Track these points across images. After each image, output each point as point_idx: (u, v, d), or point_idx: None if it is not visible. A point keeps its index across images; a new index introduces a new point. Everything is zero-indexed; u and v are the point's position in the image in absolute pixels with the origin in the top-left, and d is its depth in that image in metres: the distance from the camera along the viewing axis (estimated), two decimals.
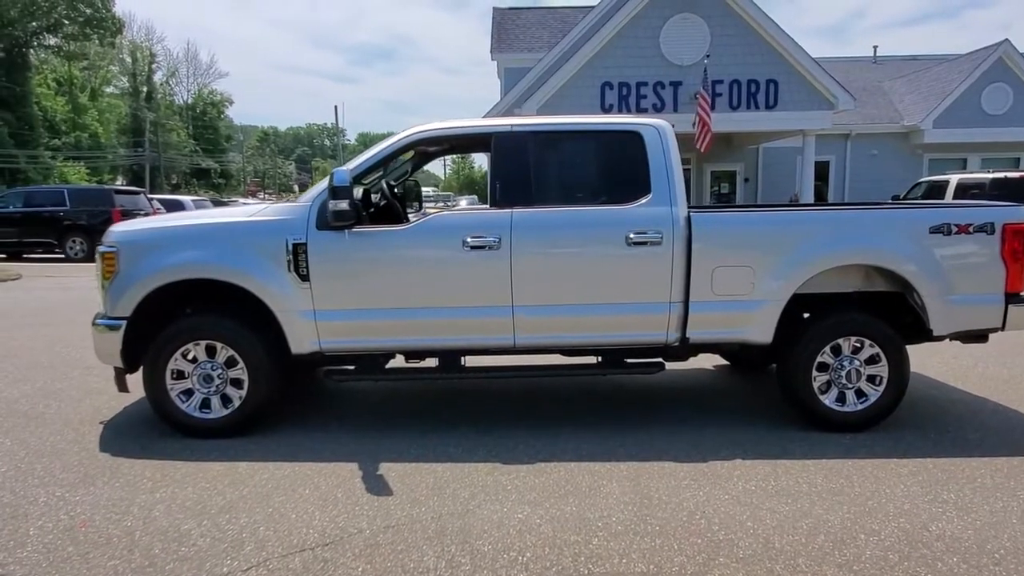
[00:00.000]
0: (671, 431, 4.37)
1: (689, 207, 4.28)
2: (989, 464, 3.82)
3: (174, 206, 19.57)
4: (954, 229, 4.23)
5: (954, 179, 13.81)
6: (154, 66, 66.99)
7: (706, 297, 4.22)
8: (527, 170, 4.26)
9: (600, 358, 4.47)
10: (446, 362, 4.41)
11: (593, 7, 18.17)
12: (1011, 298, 4.31)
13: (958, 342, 4.63)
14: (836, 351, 4.31)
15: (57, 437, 4.27)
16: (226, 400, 4.24)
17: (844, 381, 4.31)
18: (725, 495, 3.44)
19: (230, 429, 4.24)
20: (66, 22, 52.25)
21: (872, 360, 4.31)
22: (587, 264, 4.18)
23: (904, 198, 14.79)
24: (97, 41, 56.31)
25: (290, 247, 4.09)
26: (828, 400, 4.33)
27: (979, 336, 4.56)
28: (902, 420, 4.51)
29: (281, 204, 4.46)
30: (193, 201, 21.88)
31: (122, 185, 47.31)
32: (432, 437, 4.27)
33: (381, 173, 4.73)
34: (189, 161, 64.11)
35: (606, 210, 4.21)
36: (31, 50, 52.24)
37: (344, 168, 4.03)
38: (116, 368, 4.29)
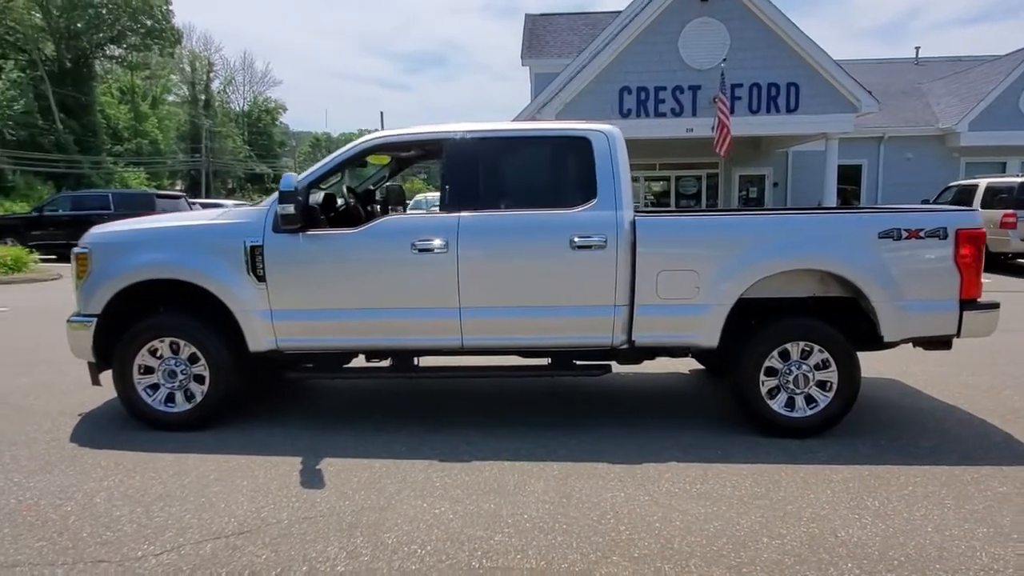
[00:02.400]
0: (620, 433, 4.41)
1: (636, 211, 4.33)
2: (928, 472, 3.76)
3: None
4: (904, 234, 4.17)
5: (983, 183, 13.39)
6: (212, 75, 69.29)
7: (651, 301, 4.25)
8: (475, 175, 4.37)
9: (550, 360, 4.54)
10: (399, 362, 4.55)
11: (621, 12, 18.21)
12: (966, 304, 4.22)
13: (945, 350, 4.52)
14: (785, 356, 4.29)
15: (33, 427, 4.54)
16: (189, 395, 4.45)
17: (792, 386, 4.29)
18: (645, 496, 3.48)
19: (193, 422, 4.44)
20: (129, 33, 54.49)
21: (821, 366, 4.28)
22: (533, 267, 4.26)
23: (934, 202, 14.38)
24: (157, 51, 58.61)
25: (248, 249, 4.27)
26: (776, 405, 4.31)
27: (941, 343, 4.47)
28: (858, 427, 4.46)
29: (243, 208, 4.65)
30: (234, 204, 22.58)
31: (179, 190, 49.16)
32: (384, 434, 4.40)
33: (339, 178, 4.89)
34: (244, 166, 66.17)
35: (551, 214, 4.28)
36: (96, 60, 54.61)
37: (292, 174, 4.20)
38: (89, 363, 4.53)
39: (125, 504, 3.38)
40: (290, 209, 4.06)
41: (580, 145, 4.33)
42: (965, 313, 4.22)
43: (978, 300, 4.27)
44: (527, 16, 26.94)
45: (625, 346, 4.35)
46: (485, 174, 4.41)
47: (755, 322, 4.36)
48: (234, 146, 65.13)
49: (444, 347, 4.39)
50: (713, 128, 13.47)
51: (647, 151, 17.22)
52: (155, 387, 4.45)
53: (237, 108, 71.58)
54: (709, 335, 4.26)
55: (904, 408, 4.98)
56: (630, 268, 4.22)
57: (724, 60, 14.32)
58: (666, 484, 3.63)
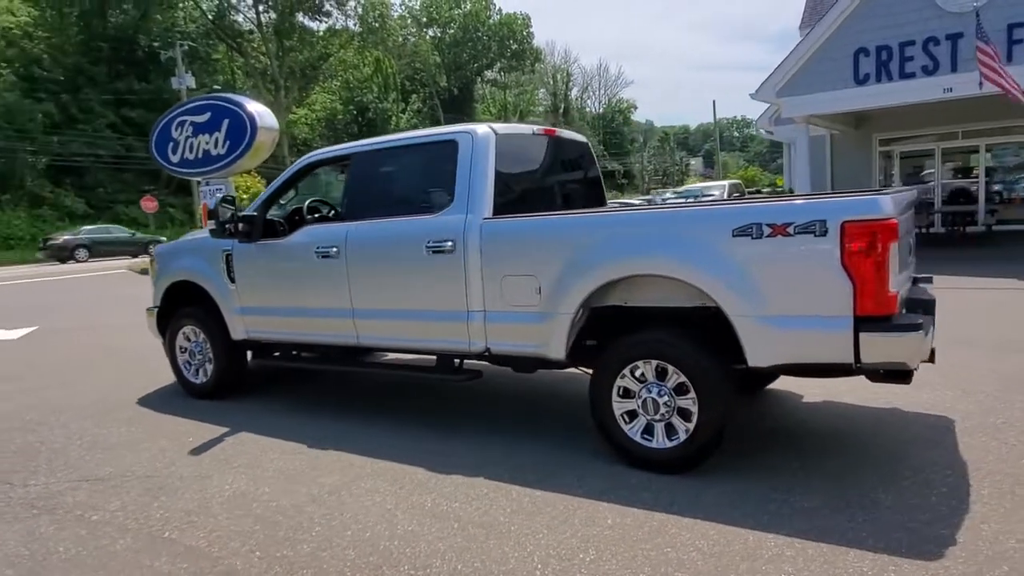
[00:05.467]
0: (499, 444, 4.27)
1: (494, 214, 4.15)
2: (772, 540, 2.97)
3: None
4: (766, 231, 3.25)
5: None
6: (569, 84, 75.51)
7: (499, 307, 4.07)
8: (363, 186, 4.71)
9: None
10: (324, 355, 5.12)
11: None
12: (865, 323, 3.11)
13: (903, 383, 3.41)
14: (643, 377, 3.69)
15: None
16: (206, 372, 5.66)
17: (642, 411, 3.68)
18: (370, 500, 3.51)
19: (211, 393, 5.63)
20: (499, 58, 62.71)
21: (681, 390, 3.58)
22: (399, 273, 4.42)
23: None
24: (521, 71, 66.33)
25: (223, 256, 5.28)
26: (633, 431, 3.73)
27: (878, 374, 3.36)
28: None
29: None
30: None
31: None
32: (319, 424, 4.95)
33: (293, 193, 5.57)
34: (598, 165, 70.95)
35: (413, 220, 4.37)
36: (476, 85, 64.11)
37: (229, 194, 5.05)
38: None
39: (94, 447, 4.64)
40: (212, 225, 4.93)
41: (449, 149, 4.32)
42: (863, 335, 3.11)
43: (886, 317, 3.11)
44: None
45: (483, 353, 4.22)
46: (373, 184, 4.71)
47: (613, 335, 3.83)
48: None
49: (346, 344, 4.81)
50: (981, 84, 10.31)
51: (929, 117, 14.02)
52: (188, 363, 5.76)
53: (592, 111, 76.53)
54: (556, 346, 3.90)
55: (801, 435, 3.76)
56: (479, 273, 4.10)
57: None
58: (419, 495, 3.57)
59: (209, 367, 5.62)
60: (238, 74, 49.19)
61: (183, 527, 3.38)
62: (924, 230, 15.56)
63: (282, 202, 5.47)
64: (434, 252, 4.21)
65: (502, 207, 4.24)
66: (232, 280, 5.27)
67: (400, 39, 56.98)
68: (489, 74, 64.52)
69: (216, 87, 38.97)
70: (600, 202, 5.41)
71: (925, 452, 3.77)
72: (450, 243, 4.15)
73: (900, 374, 3.36)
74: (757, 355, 3.34)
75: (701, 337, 3.56)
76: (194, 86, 35.49)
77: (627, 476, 3.66)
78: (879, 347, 3.10)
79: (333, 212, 5.58)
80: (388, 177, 4.71)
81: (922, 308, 3.90)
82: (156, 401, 5.73)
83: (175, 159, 15.61)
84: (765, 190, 38.03)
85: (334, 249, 4.65)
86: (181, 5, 45.08)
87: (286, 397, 5.69)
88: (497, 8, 57.85)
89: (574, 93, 75.17)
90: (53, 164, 36.96)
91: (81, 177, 38.53)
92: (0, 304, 13.70)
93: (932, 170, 17.10)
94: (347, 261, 4.60)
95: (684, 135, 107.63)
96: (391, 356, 6.22)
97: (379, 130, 43.77)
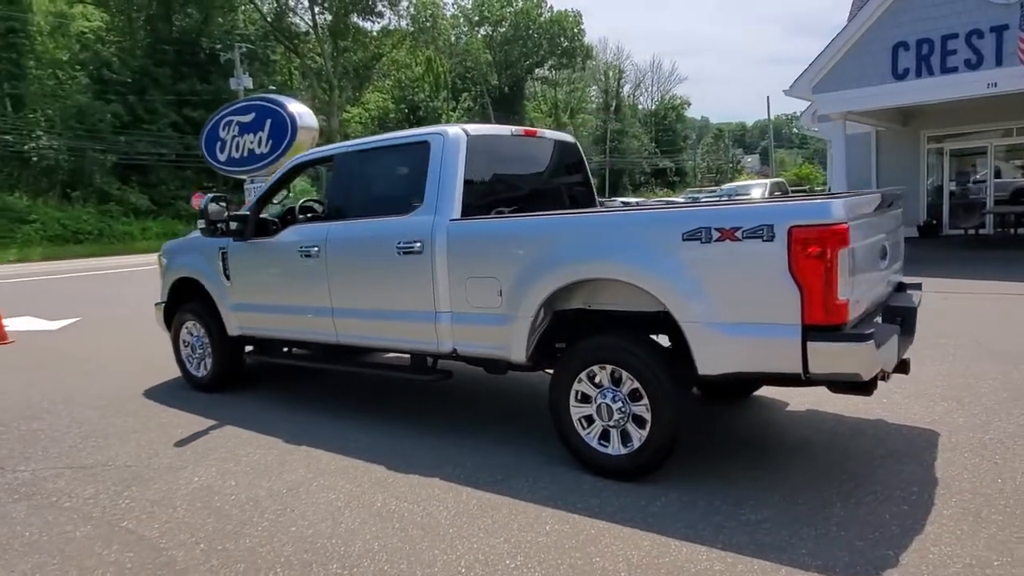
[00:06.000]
0: (465, 446, 4.28)
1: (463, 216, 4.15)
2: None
3: None
4: (715, 235, 3.16)
5: None
6: (622, 81, 74.83)
7: (464, 309, 4.07)
8: (344, 186, 4.79)
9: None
10: (314, 352, 5.20)
11: None
12: (813, 332, 2.99)
13: (864, 395, 3.30)
14: (600, 382, 3.64)
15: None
16: (205, 366, 5.84)
17: (597, 416, 3.63)
18: (324, 497, 3.56)
19: (209, 386, 5.81)
20: (549, 56, 62.60)
21: (635, 396, 3.51)
22: (373, 273, 4.47)
23: None
24: (572, 68, 66.08)
25: (220, 254, 5.44)
26: (590, 436, 3.69)
27: (836, 384, 3.24)
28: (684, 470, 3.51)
29: None
30: (620, 203, 24.74)
31: None
32: (303, 420, 5.03)
33: (285, 193, 5.67)
34: (649, 163, 70.12)
35: (385, 221, 4.41)
36: (526, 83, 64.18)
37: (211, 195, 5.17)
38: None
39: (92, 434, 4.85)
40: (202, 223, 5.07)
41: (422, 150, 4.33)
42: (811, 344, 3.00)
43: (836, 326, 2.98)
44: None
45: (452, 354, 4.22)
46: (352, 185, 4.77)
47: (571, 338, 3.79)
48: (639, 145, 69.12)
49: (327, 342, 4.89)
50: None
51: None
52: (190, 357, 5.95)
53: (644, 108, 75.60)
54: (517, 349, 3.88)
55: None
56: (446, 275, 4.11)
57: None
58: (393, 500, 3.59)
59: (209, 361, 5.80)
60: (295, 74, 50.46)
61: (142, 517, 3.50)
62: (974, 232, 14.81)
63: (275, 201, 5.59)
64: (404, 253, 4.24)
65: (476, 209, 4.25)
66: (228, 277, 5.42)
67: (452, 38, 57.46)
68: (540, 72, 64.47)
69: (271, 87, 40.12)
70: (590, 203, 5.35)
71: (896, 467, 3.61)
72: (419, 244, 4.17)
73: (860, 386, 3.22)
74: (706, 363, 3.25)
75: (655, 343, 3.49)
76: (251, 87, 36.66)
77: (581, 481, 3.62)
78: (827, 357, 2.98)
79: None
80: (366, 178, 4.77)
81: (900, 317, 3.74)
82: (161, 393, 5.94)
83: (223, 158, 16.13)
84: (818, 188, 36.82)
85: (315, 249, 4.74)
86: (242, 8, 46.48)
87: (282, 393, 5.82)
88: (548, 5, 57.74)
89: (626, 90, 74.42)
90: (120, 162, 38.67)
91: (145, 175, 40.16)
92: (54, 296, 14.40)
93: (985, 169, 16.25)
94: (327, 261, 4.68)
95: (741, 132, 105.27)
96: (389, 355, 6.28)
97: None
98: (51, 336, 9.34)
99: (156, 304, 6.29)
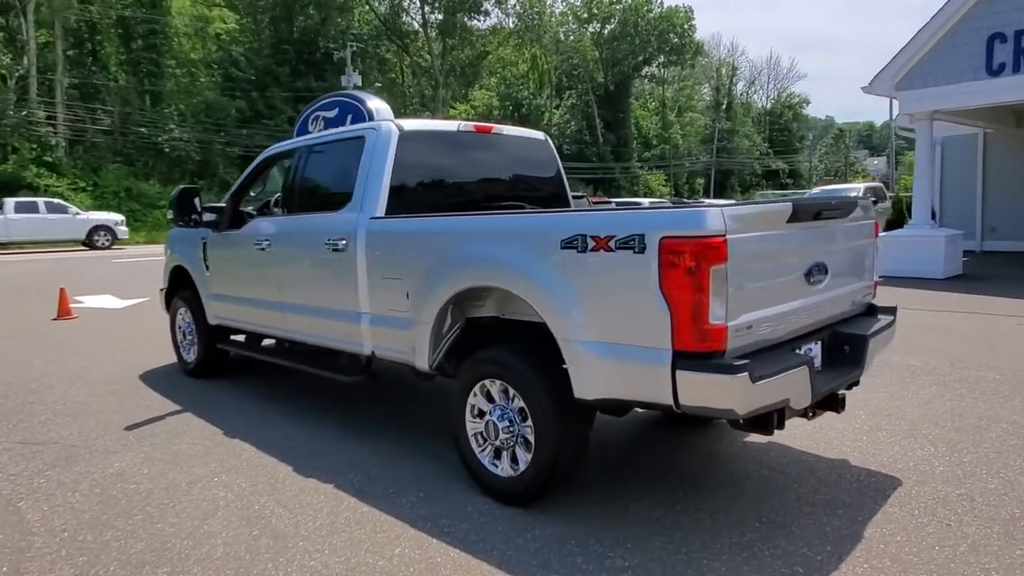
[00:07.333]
0: (382, 452, 4.12)
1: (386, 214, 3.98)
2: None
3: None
4: (590, 243, 2.82)
5: None
6: (734, 78, 71.92)
7: (380, 310, 3.91)
8: (296, 180, 4.72)
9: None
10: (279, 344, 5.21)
11: None
12: (680, 359, 2.60)
13: (765, 434, 2.89)
14: (493, 397, 3.37)
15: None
16: (194, 351, 6.00)
17: (485, 435, 3.36)
18: (212, 495, 3.49)
19: (194, 372, 5.97)
20: (658, 53, 61.01)
21: (524, 415, 3.22)
22: (307, 269, 4.41)
23: None
24: (681, 66, 64.16)
25: (201, 244, 5.56)
26: (483, 455, 3.43)
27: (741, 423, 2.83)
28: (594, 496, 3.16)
29: None
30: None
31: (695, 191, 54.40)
32: (260, 414, 5.03)
33: (261, 187, 5.67)
34: (761, 163, 67.05)
35: (318, 217, 4.31)
36: (633, 81, 62.95)
37: (189, 187, 5.25)
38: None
39: (66, 411, 5.09)
40: (171, 214, 5.17)
41: (358, 145, 4.21)
42: (679, 373, 2.60)
43: (709, 354, 2.57)
44: None
45: (373, 356, 4.06)
46: (302, 179, 4.70)
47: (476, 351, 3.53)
48: (751, 144, 66.13)
49: (281, 336, 4.86)
50: None
51: None
52: (183, 342, 6.14)
53: (759, 107, 72.19)
54: (420, 355, 3.68)
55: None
56: (366, 274, 3.96)
57: None
58: (274, 504, 3.50)
59: (195, 348, 5.95)
60: (406, 72, 51.98)
61: (40, 499, 3.59)
62: None
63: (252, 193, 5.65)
64: (332, 250, 4.14)
65: (411, 208, 4.07)
66: (207, 268, 5.53)
67: (560, 35, 57.12)
68: (647, 69, 62.89)
69: (377, 84, 41.52)
70: (561, 203, 5.03)
71: (824, 519, 3.11)
72: (344, 241, 4.05)
73: (757, 423, 2.79)
74: (581, 385, 2.92)
75: (541, 358, 3.16)
76: (360, 84, 38.06)
77: (469, 503, 3.38)
78: (696, 389, 2.59)
79: None
80: (314, 172, 4.70)
81: (847, 345, 3.24)
82: (156, 376, 6.16)
83: None
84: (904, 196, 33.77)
85: (267, 243, 4.73)
86: (357, 10, 48.38)
87: (259, 385, 5.80)
88: (659, 1, 56.16)
89: (739, 87, 71.33)
90: (242, 154, 41.32)
91: None
92: (141, 274, 15.42)
93: None
94: (274, 255, 4.66)
95: (868, 132, 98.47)
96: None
97: (531, 126, 44.34)
98: (112, 315, 9.99)
99: (160, 290, 6.54)
